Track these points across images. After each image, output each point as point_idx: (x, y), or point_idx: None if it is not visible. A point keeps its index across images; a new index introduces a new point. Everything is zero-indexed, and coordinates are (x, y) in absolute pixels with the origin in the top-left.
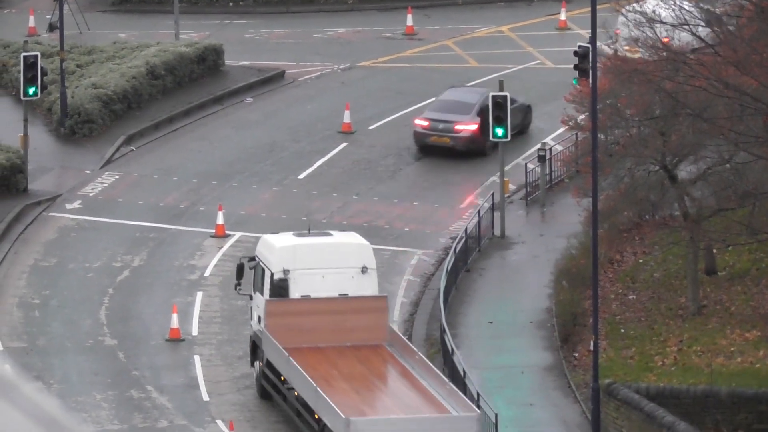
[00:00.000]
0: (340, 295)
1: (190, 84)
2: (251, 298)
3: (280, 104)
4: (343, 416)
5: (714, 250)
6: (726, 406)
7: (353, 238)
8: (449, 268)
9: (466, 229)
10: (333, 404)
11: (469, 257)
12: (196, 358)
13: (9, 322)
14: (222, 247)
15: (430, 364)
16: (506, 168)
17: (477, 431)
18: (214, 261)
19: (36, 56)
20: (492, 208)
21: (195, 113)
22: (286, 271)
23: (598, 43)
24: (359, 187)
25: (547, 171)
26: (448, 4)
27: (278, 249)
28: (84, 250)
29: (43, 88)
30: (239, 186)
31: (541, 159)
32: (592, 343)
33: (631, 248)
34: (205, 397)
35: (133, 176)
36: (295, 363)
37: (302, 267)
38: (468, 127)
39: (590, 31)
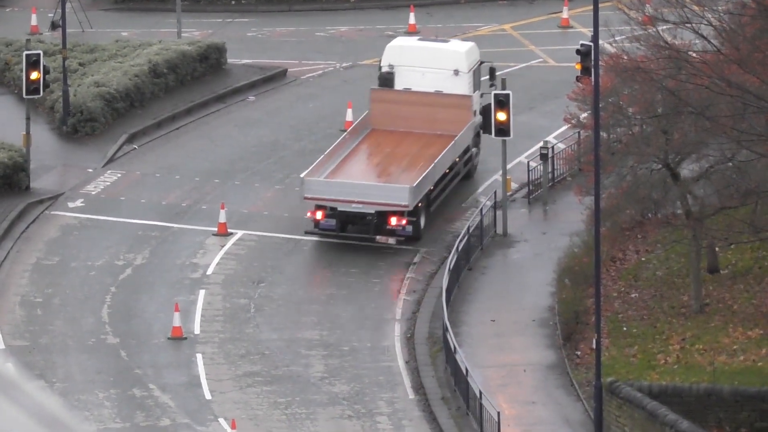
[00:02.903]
0: (435, 90)
1: (193, 82)
2: None
3: (282, 102)
4: (301, 175)
5: (716, 249)
6: (728, 404)
7: (452, 45)
8: (451, 266)
9: (468, 228)
10: (312, 167)
11: (471, 255)
12: (199, 356)
13: (11, 320)
14: (224, 245)
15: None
16: (508, 166)
17: (408, 199)
18: (217, 259)
19: (38, 54)
20: (494, 207)
21: (197, 111)
22: (391, 66)
23: (601, 41)
24: None
25: (550, 169)
26: (450, 3)
27: (388, 47)
28: (86, 249)
29: (46, 86)
30: (241, 184)
31: (544, 157)
32: (594, 341)
33: (633, 246)
34: (208, 396)
35: (136, 174)
36: (346, 135)
37: (406, 64)
38: None
39: (592, 29)
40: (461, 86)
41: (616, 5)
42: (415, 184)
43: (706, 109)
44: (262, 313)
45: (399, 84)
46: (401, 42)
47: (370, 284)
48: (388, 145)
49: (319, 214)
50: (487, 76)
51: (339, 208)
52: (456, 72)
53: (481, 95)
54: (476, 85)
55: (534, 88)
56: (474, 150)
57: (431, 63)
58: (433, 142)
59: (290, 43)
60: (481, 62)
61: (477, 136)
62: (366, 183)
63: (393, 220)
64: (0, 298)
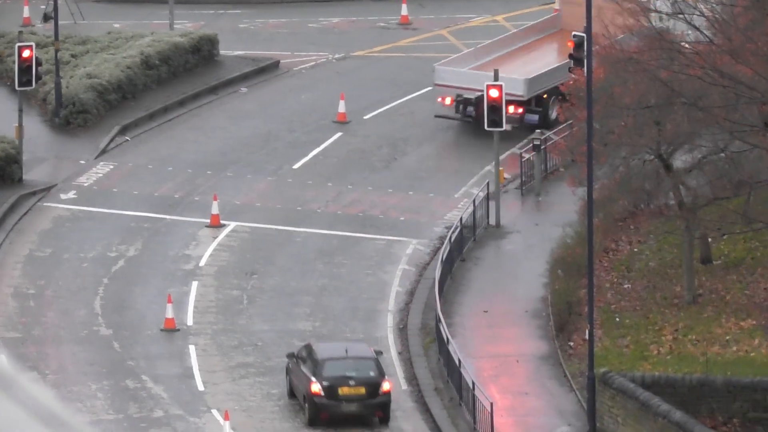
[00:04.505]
0: None
1: (185, 74)
2: None
3: (274, 94)
4: (433, 64)
5: (709, 239)
6: (721, 394)
7: None
8: (444, 257)
9: (461, 219)
10: (460, 54)
11: (464, 246)
12: (191, 347)
13: (4, 312)
14: (217, 237)
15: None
16: (501, 157)
17: (523, 89)
18: (209, 251)
19: (31, 46)
20: (487, 198)
21: (190, 103)
22: None
23: (593, 32)
24: (354, 176)
25: (542, 160)
26: None
27: None
28: (79, 240)
29: (38, 78)
30: (234, 176)
31: (536, 148)
32: (587, 332)
33: (626, 237)
34: (201, 387)
35: (128, 166)
36: (518, 32)
37: None
38: None
39: (585, 20)
40: None
41: None
42: (531, 77)
43: (698, 100)
44: (255, 304)
45: None
46: None
47: (363, 275)
48: (562, 42)
49: (447, 100)
50: None
51: (464, 96)
52: None
53: None
54: None
55: None
56: None
57: None
58: None
59: (283, 35)
60: None
61: None
62: (486, 73)
63: (510, 109)
64: None
